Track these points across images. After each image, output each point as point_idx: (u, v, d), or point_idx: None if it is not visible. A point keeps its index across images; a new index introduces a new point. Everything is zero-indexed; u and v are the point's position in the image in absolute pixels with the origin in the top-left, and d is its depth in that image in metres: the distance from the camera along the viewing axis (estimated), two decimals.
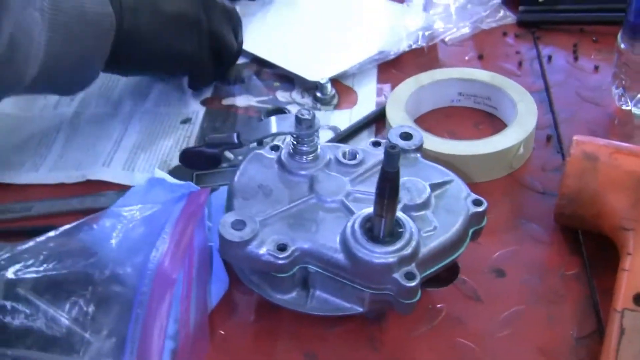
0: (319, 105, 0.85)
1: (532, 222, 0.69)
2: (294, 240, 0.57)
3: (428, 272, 0.58)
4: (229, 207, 0.61)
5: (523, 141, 0.72)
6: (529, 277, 0.64)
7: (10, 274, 0.60)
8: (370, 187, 0.61)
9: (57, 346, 0.56)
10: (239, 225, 0.57)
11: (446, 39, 0.93)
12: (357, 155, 0.64)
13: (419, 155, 0.65)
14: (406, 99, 0.79)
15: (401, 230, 0.57)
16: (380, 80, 0.88)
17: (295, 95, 0.87)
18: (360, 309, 0.58)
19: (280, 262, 0.57)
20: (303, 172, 0.62)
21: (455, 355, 0.59)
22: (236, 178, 0.62)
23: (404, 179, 0.61)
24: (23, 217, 0.73)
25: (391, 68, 0.90)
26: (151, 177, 0.66)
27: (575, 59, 0.89)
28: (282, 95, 0.87)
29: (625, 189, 0.61)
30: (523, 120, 0.75)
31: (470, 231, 0.61)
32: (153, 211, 0.63)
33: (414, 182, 0.61)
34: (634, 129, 0.78)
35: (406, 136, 0.66)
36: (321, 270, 0.58)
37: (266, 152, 0.64)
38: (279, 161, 0.63)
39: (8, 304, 0.57)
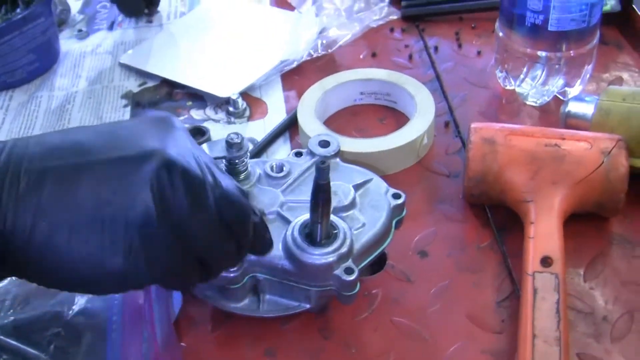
0: (232, 119, 0.90)
1: (445, 203, 0.77)
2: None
3: (363, 264, 0.65)
4: None
5: (425, 132, 0.80)
6: (449, 254, 0.72)
7: None
8: (300, 195, 0.67)
9: None
10: None
11: (340, 42, 1.00)
12: (284, 167, 0.70)
13: (338, 159, 0.71)
14: (314, 104, 0.85)
15: (336, 231, 0.63)
16: (286, 88, 0.94)
17: (209, 111, 0.91)
18: (308, 305, 0.64)
19: (232, 274, 0.62)
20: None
21: (395, 332, 0.65)
22: None
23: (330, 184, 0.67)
24: None
25: (294, 75, 0.96)
26: None
27: (459, 46, 0.98)
28: (196, 114, 0.91)
29: (522, 165, 0.70)
30: (422, 112, 0.82)
31: (394, 221, 0.68)
32: None
33: (339, 186, 0.67)
34: (519, 106, 0.87)
35: (324, 144, 0.72)
36: (269, 277, 0.63)
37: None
38: None
39: None
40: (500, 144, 0.71)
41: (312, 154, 0.71)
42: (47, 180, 0.45)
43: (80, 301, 0.61)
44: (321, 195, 0.59)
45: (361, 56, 0.99)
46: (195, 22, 1.07)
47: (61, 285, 0.48)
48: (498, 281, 0.69)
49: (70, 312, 0.60)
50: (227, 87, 0.92)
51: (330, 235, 0.63)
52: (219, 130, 0.88)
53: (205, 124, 0.89)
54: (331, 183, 0.67)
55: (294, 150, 0.72)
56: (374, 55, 0.98)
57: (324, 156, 0.71)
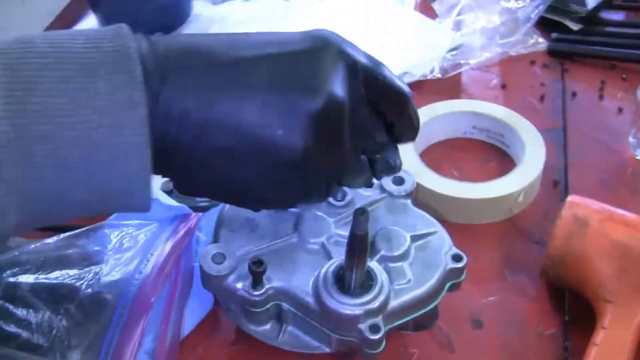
0: None
1: (521, 272, 0.69)
2: (270, 279, 0.59)
3: (396, 324, 0.59)
4: (215, 237, 0.63)
5: (523, 189, 0.72)
6: (506, 332, 0.64)
7: (8, 277, 0.64)
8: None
9: (40, 354, 0.59)
10: (219, 258, 0.59)
11: (472, 62, 0.92)
12: (347, 196, 0.65)
13: (409, 201, 0.66)
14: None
15: (371, 283, 0.58)
16: None
17: None
18: (328, 350, 0.60)
19: (254, 298, 0.59)
20: (291, 210, 0.64)
21: None
22: (226, 208, 0.64)
23: (385, 229, 0.62)
24: None
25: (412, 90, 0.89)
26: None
27: (600, 97, 0.87)
28: None
29: (611, 258, 0.61)
30: (528, 165, 0.74)
31: (448, 285, 0.62)
32: (147, 229, 0.65)
33: (396, 233, 0.62)
34: None
35: (398, 181, 0.66)
36: (293, 310, 0.59)
37: None
38: None
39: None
40: (593, 227, 0.62)
41: (382, 188, 0.66)
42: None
43: (99, 281, 0.61)
44: (357, 246, 0.55)
45: (490, 84, 0.91)
46: (330, 7, 1.03)
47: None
48: None
49: (88, 290, 0.60)
50: None
51: (364, 285, 0.58)
52: None
53: None
54: (388, 228, 0.62)
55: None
56: (504, 86, 0.90)
57: (400, 194, 0.65)
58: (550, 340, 0.63)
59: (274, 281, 0.59)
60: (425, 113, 0.81)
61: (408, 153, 0.76)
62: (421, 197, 0.74)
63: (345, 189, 0.65)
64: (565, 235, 0.63)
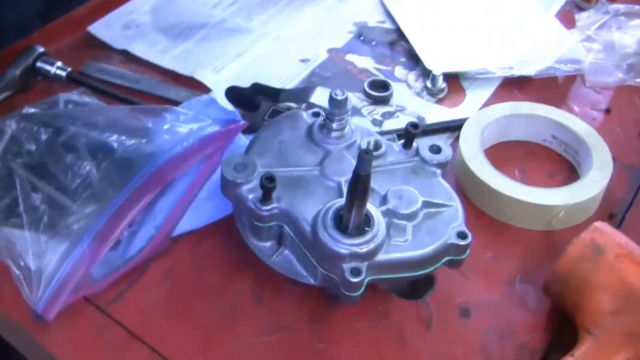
0: (424, 94, 0.86)
1: (532, 284, 0.67)
2: (279, 199, 0.62)
3: (382, 277, 0.61)
4: (247, 149, 0.67)
5: (565, 207, 0.70)
6: (489, 332, 0.64)
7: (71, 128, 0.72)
8: (375, 183, 0.64)
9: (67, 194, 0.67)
10: (240, 167, 0.63)
11: (589, 79, 0.89)
12: (381, 149, 0.67)
13: (438, 171, 0.66)
14: (490, 121, 0.78)
15: (367, 229, 0.60)
16: (498, 94, 0.87)
17: (411, 76, 0.89)
18: (313, 282, 0.63)
19: (261, 212, 0.62)
20: (325, 145, 0.67)
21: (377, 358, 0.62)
22: (267, 127, 0.68)
23: (402, 187, 0.63)
24: (128, 88, 0.85)
25: (515, 87, 0.88)
26: (210, 95, 0.74)
27: None
28: (399, 72, 0.90)
29: (614, 295, 0.59)
30: (582, 188, 0.72)
31: (446, 259, 0.62)
32: (201, 123, 0.71)
33: (410, 193, 0.63)
34: None
35: (436, 149, 0.67)
36: (292, 234, 0.63)
37: (306, 115, 0.69)
38: (310, 128, 0.68)
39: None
40: (607, 258, 0.60)
41: (417, 151, 0.67)
42: None
43: (137, 149, 0.67)
44: (358, 187, 0.57)
45: (596, 105, 0.87)
46: None
47: None
48: None
49: (123, 153, 0.66)
50: (439, 63, 0.88)
51: (360, 228, 0.60)
52: (405, 94, 0.86)
53: (397, 84, 0.87)
54: (404, 187, 0.63)
55: (403, 141, 0.68)
56: (607, 111, 0.86)
57: (432, 162, 0.66)
58: (528, 355, 0.62)
59: (282, 201, 0.62)
60: (510, 108, 0.80)
61: (473, 144, 0.76)
62: (466, 181, 0.74)
63: (385, 142, 0.67)
64: (577, 257, 0.61)
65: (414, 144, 0.68)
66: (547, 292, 0.64)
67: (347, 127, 0.67)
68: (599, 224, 0.63)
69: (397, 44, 0.94)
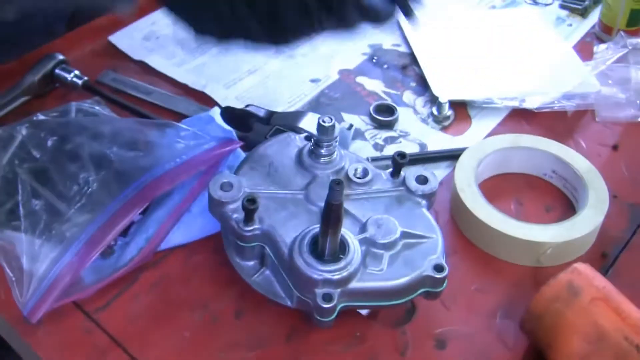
0: (430, 120, 0.87)
1: (512, 320, 0.67)
2: (262, 221, 0.64)
3: (355, 304, 0.63)
4: (238, 167, 0.69)
5: (552, 245, 0.70)
6: None
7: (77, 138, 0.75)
8: (357, 210, 0.65)
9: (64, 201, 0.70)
10: (227, 186, 0.65)
11: (601, 114, 0.88)
12: (367, 177, 0.68)
13: (424, 202, 0.67)
14: (489, 152, 0.78)
15: (342, 257, 0.61)
16: (505, 124, 0.87)
17: (419, 101, 0.90)
18: (290, 304, 0.64)
19: (242, 232, 0.64)
20: (313, 170, 0.68)
21: None
22: (259, 147, 0.69)
23: (382, 216, 0.64)
24: (140, 99, 0.87)
25: (522, 118, 0.88)
26: (209, 113, 0.76)
27: None
28: (407, 97, 0.90)
29: (585, 339, 0.59)
30: (576, 226, 0.71)
31: (422, 290, 0.63)
32: (199, 141, 0.73)
33: (389, 223, 0.64)
34: None
35: (423, 180, 0.68)
36: (272, 255, 0.64)
37: (297, 139, 0.70)
38: (300, 151, 0.69)
39: None
40: (582, 300, 0.60)
41: (404, 183, 0.68)
42: None
43: (133, 162, 0.70)
44: (331, 215, 0.58)
45: (603, 140, 0.86)
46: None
47: None
48: None
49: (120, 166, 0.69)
50: (447, 89, 0.89)
51: (335, 255, 0.61)
52: (410, 120, 0.87)
53: (404, 109, 0.88)
54: (386, 217, 0.64)
55: (391, 170, 0.69)
56: (615, 147, 0.85)
57: (417, 193, 0.67)
58: None
59: (264, 223, 0.64)
60: (510, 140, 0.80)
61: (468, 173, 0.76)
62: (458, 211, 0.75)
63: (372, 170, 0.68)
64: (551, 296, 0.61)
65: (402, 173, 0.68)
66: (522, 329, 0.64)
67: (336, 153, 0.68)
68: (579, 265, 0.63)
69: (409, 68, 0.94)
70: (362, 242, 0.63)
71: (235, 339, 0.65)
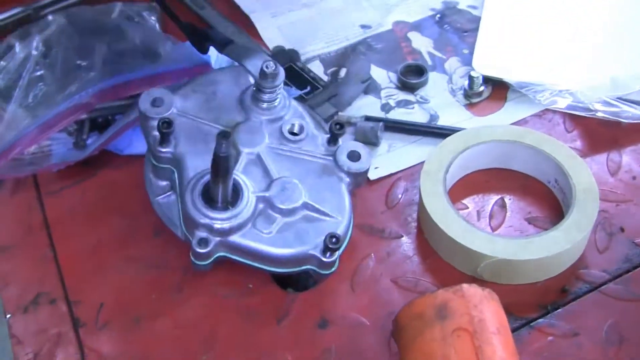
0: (459, 93, 0.78)
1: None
2: (177, 145, 0.63)
3: (236, 259, 0.61)
4: (181, 85, 0.67)
5: (492, 261, 0.61)
6: (335, 349, 0.60)
7: None
8: (274, 165, 0.62)
9: None
10: (159, 102, 0.65)
11: None
12: (300, 135, 0.64)
13: (347, 179, 0.62)
14: (486, 141, 0.69)
15: (229, 208, 0.59)
16: (540, 118, 0.76)
17: (459, 71, 0.81)
18: (180, 235, 0.63)
19: (156, 152, 0.63)
20: (249, 112, 0.65)
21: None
22: (210, 73, 0.68)
23: (293, 181, 0.61)
24: (192, 10, 0.89)
25: (564, 116, 0.76)
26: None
27: None
28: (450, 64, 0.82)
29: None
30: (529, 247, 0.62)
31: (306, 267, 0.60)
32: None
33: (295, 189, 0.60)
34: None
35: (356, 157, 0.62)
36: (177, 182, 0.63)
37: (249, 76, 0.67)
38: (245, 90, 0.66)
39: None
40: (445, 326, 0.52)
41: (335, 154, 0.63)
42: None
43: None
44: (217, 166, 0.56)
45: None
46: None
47: None
48: None
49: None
50: (487, 63, 0.79)
51: (225, 203, 0.59)
52: (439, 88, 0.79)
53: (439, 75, 0.80)
54: (296, 182, 0.61)
55: (328, 136, 0.64)
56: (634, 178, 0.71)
57: (343, 168, 0.62)
58: None
59: (178, 148, 0.63)
60: (512, 133, 0.69)
61: (445, 155, 0.68)
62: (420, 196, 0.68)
63: (307, 128, 0.64)
64: (418, 311, 0.54)
65: (340, 142, 0.64)
66: (391, 334, 0.58)
67: (279, 101, 0.65)
68: (467, 287, 0.54)
69: (470, 33, 0.85)
70: (260, 199, 0.60)
71: (141, 254, 0.67)
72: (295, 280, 0.64)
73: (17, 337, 0.62)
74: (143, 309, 0.64)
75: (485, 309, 0.54)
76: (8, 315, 0.64)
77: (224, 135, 0.54)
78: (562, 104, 0.74)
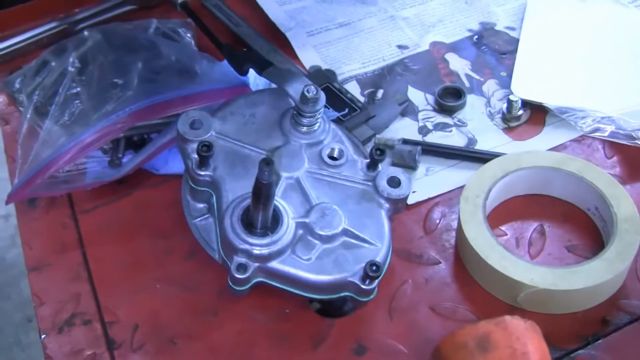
0: (497, 116, 0.78)
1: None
2: (216, 169, 0.63)
3: (272, 284, 0.60)
4: (219, 107, 0.67)
5: (531, 290, 0.60)
6: None
7: None
8: (314, 190, 0.62)
9: None
10: (197, 124, 0.64)
11: None
12: (340, 160, 0.63)
13: (387, 206, 0.62)
14: (525, 167, 0.68)
15: (268, 234, 0.58)
16: (580, 143, 0.75)
17: (497, 94, 0.80)
18: (217, 258, 0.63)
19: (194, 174, 0.63)
20: (288, 135, 0.65)
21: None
22: (250, 94, 0.68)
23: (333, 207, 0.60)
24: (228, 28, 0.88)
25: (604, 143, 0.75)
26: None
27: None
28: (488, 86, 0.81)
29: None
30: (569, 277, 0.60)
31: (345, 294, 0.59)
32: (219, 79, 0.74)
33: (335, 215, 0.60)
34: None
35: (396, 183, 0.62)
36: (215, 205, 0.63)
37: (288, 98, 0.66)
38: (284, 113, 0.66)
39: None
40: (488, 358, 0.51)
41: (375, 179, 0.62)
42: None
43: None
44: (262, 193, 0.56)
45: None
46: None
47: None
48: None
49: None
50: (526, 86, 0.78)
51: (265, 229, 0.59)
52: (477, 112, 0.78)
53: (477, 98, 0.79)
54: (336, 208, 0.60)
55: (367, 161, 0.64)
56: None
57: (383, 194, 0.62)
58: None
59: (217, 171, 0.63)
60: (552, 159, 0.68)
61: (485, 180, 0.67)
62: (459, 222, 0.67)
63: (348, 153, 0.64)
64: (460, 342, 0.53)
65: (380, 168, 0.63)
66: None
67: (318, 125, 0.64)
68: (510, 319, 0.53)
69: (508, 56, 0.84)
70: (300, 225, 0.60)
71: (176, 275, 0.67)
72: (334, 309, 0.63)
73: (51, 358, 0.62)
74: (178, 332, 0.63)
75: (528, 342, 0.53)
76: (43, 336, 0.63)
77: (267, 162, 0.53)
78: (604, 131, 0.73)
